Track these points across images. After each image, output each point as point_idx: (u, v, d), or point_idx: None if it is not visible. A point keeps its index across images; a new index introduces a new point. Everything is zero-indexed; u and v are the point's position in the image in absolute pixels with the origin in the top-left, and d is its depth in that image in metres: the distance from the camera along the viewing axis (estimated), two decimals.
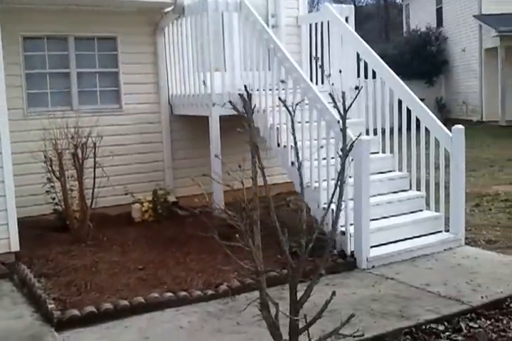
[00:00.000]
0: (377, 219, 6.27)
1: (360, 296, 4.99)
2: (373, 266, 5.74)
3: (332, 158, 6.06)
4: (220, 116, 7.42)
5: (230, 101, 3.68)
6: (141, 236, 6.96)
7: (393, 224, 6.25)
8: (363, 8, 38.87)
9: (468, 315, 4.57)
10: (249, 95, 3.85)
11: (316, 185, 6.27)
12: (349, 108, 3.63)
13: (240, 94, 4.75)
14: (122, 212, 7.95)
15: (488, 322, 4.52)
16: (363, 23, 35.56)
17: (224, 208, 7.13)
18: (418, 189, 6.82)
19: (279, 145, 6.87)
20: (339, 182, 3.85)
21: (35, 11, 7.42)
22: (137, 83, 8.23)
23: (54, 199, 6.92)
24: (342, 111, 3.55)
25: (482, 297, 4.81)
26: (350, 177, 5.72)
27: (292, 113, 3.78)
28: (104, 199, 7.34)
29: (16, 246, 5.89)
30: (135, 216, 7.76)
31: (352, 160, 5.50)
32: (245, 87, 3.68)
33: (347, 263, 5.77)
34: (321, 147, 5.80)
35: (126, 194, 7.87)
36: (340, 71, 6.52)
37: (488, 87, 20.47)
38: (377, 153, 7.24)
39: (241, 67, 7.48)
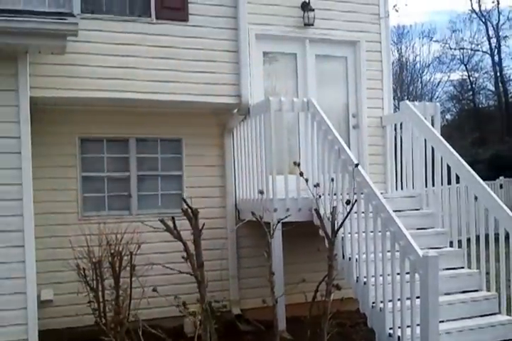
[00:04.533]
0: None
1: None
2: None
3: (398, 274, 5.26)
4: (282, 223, 6.85)
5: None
6: None
7: None
8: (484, 109, 37.96)
9: None
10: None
11: (382, 305, 5.45)
12: None
13: (315, 210, 4.31)
14: (177, 324, 7.41)
15: None
16: (484, 124, 34.64)
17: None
18: (509, 313, 5.78)
19: (344, 256, 6.16)
20: None
21: (93, 113, 7.36)
22: (202, 186, 7.92)
23: (95, 310, 6.49)
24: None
25: None
26: (417, 297, 4.92)
27: None
28: (158, 310, 6.89)
29: None
30: (187, 331, 7.19)
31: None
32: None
33: None
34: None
35: (177, 306, 7.32)
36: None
37: None
38: (462, 268, 6.34)
39: (308, 170, 6.99)
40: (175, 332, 7.19)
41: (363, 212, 5.83)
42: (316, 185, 4.90)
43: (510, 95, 34.30)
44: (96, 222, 6.96)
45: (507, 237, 5.66)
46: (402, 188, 7.64)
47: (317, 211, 4.29)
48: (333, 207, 3.70)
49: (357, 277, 5.94)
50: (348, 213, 4.03)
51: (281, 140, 7.05)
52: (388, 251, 5.39)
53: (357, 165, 5.55)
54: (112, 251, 5.80)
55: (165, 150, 7.88)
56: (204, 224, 3.31)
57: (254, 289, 8.00)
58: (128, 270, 6.16)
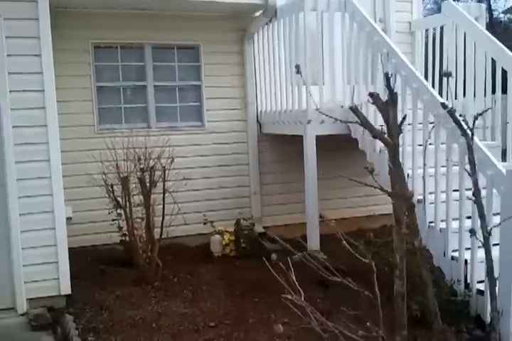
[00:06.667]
0: None
1: None
2: None
3: (467, 189, 4.52)
4: (316, 136, 6.08)
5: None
6: (218, 277, 5.61)
7: None
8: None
9: None
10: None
11: (443, 225, 4.75)
12: None
13: (351, 108, 3.50)
14: (201, 243, 6.73)
15: None
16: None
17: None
18: None
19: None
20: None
21: (106, 16, 6.34)
22: (222, 98, 7.00)
23: (121, 228, 5.75)
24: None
25: None
26: (496, 214, 4.20)
27: None
28: (182, 228, 6.21)
29: (66, 289, 4.76)
30: (214, 250, 6.46)
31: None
32: None
33: (486, 337, 4.14)
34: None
35: (204, 223, 6.60)
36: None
37: None
38: None
39: (344, 79, 6.11)
40: (201, 251, 6.52)
41: (420, 124, 5.02)
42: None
43: None
44: (113, 135, 6.12)
45: None
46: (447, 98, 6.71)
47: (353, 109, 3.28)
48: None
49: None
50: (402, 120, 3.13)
51: (316, 44, 6.11)
52: (455, 165, 4.63)
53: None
54: (142, 166, 4.97)
55: (182, 59, 6.86)
56: None
57: (276, 206, 7.35)
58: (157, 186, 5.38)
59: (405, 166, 5.15)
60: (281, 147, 7.25)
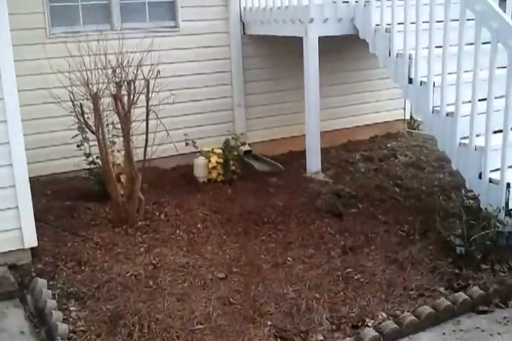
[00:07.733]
0: None
1: None
2: None
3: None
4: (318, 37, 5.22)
5: None
6: (212, 209, 4.75)
7: None
8: None
9: None
10: None
11: (481, 143, 4.04)
12: None
13: None
14: (178, 165, 5.97)
15: None
16: None
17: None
18: None
19: (410, 81, 4.61)
20: None
21: None
22: None
23: (88, 156, 4.87)
24: None
25: None
26: None
27: None
28: (156, 149, 5.17)
29: (32, 241, 3.80)
30: (198, 174, 5.65)
31: None
32: None
33: None
34: None
35: (186, 144, 5.75)
36: None
37: None
38: None
39: None
40: (183, 176, 5.72)
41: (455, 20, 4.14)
42: None
43: None
44: (70, 40, 5.05)
45: None
46: None
47: None
48: None
49: (433, 106, 4.45)
50: None
51: None
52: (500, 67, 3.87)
53: None
54: (118, 80, 4.03)
55: None
56: None
57: (262, 119, 6.59)
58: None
59: (431, 72, 4.37)
60: (269, 50, 6.39)
